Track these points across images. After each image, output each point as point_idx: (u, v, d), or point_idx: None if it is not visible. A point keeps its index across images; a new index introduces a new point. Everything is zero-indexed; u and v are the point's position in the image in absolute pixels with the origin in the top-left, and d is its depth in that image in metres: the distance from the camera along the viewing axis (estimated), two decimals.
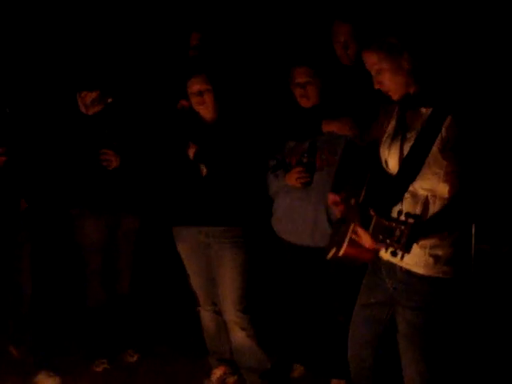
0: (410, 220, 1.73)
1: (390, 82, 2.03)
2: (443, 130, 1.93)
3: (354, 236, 1.97)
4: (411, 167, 1.99)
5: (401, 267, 2.07)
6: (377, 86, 2.07)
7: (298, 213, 2.96)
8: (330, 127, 2.91)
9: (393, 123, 2.15)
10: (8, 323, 3.32)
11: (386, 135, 2.15)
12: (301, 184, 2.89)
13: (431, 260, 2.01)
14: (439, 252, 2.00)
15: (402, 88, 2.04)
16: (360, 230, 1.89)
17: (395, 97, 2.07)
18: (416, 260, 2.02)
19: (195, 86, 2.93)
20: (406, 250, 1.74)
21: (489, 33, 3.43)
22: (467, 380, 2.61)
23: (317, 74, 2.93)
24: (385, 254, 2.12)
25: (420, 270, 2.03)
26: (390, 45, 1.98)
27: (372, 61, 2.04)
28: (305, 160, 2.88)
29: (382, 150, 2.15)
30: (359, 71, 2.95)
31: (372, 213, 1.80)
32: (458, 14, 3.24)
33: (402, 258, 1.78)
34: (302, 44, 3.51)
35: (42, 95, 3.42)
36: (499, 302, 3.29)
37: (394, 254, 1.77)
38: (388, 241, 1.75)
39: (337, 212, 2.34)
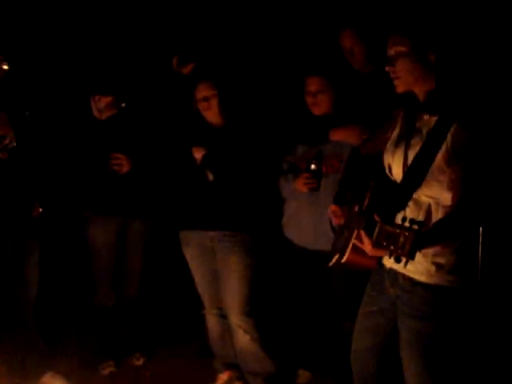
0: (415, 226, 1.71)
1: (404, 69, 1.99)
2: (448, 137, 1.92)
3: (357, 243, 1.98)
4: (416, 174, 1.98)
5: (404, 275, 2.07)
6: (387, 68, 2.02)
7: (305, 216, 3.03)
8: (337, 136, 2.93)
9: (397, 130, 2.14)
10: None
11: (390, 142, 2.15)
12: (308, 189, 2.95)
13: (433, 268, 2.00)
14: (441, 260, 1.99)
15: (412, 80, 2.01)
16: (364, 237, 1.89)
17: (401, 88, 2.03)
18: (418, 268, 2.01)
19: (201, 92, 2.99)
20: (410, 256, 1.72)
21: (493, 40, 3.42)
22: None
23: (329, 83, 2.95)
24: (388, 262, 2.13)
25: (422, 278, 2.02)
26: (423, 37, 1.96)
27: (397, 41, 1.99)
28: (312, 167, 2.93)
29: (385, 156, 2.15)
30: (372, 76, 2.98)
31: (377, 218, 1.79)
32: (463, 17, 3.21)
33: (406, 264, 1.77)
34: (317, 52, 3.52)
35: (57, 99, 3.46)
36: (505, 312, 3.28)
37: (397, 260, 1.75)
38: (392, 247, 1.73)
39: (334, 221, 2.36)
